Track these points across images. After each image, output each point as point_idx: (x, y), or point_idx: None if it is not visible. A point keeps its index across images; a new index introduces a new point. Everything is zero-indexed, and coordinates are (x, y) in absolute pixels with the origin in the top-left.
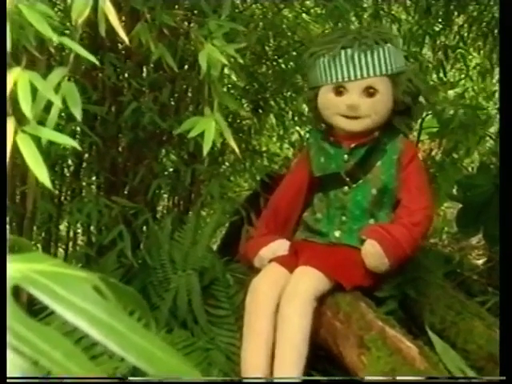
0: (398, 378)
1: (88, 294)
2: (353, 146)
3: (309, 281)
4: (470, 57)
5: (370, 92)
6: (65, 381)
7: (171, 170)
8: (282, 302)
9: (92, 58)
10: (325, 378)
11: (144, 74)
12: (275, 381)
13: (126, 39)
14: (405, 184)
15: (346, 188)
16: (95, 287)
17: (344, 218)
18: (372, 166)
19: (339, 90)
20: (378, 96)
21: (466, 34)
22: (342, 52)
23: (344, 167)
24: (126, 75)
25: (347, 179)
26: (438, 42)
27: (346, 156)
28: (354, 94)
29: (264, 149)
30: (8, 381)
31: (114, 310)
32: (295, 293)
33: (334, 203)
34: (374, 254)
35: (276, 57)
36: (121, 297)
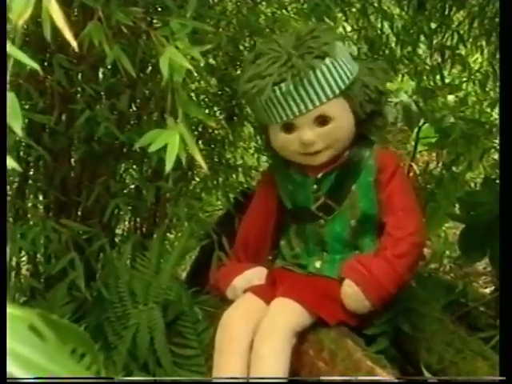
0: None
1: (23, 336)
2: (320, 176)
3: (287, 314)
4: (473, 58)
5: (322, 121)
6: (64, 381)
7: (132, 187)
8: (256, 339)
9: (33, 64)
10: (317, 379)
11: (100, 78)
12: (267, 381)
13: (75, 44)
14: (388, 206)
15: (322, 221)
16: (32, 327)
17: (325, 254)
18: (346, 192)
19: (288, 127)
20: (333, 122)
21: (466, 33)
22: (277, 89)
23: (314, 199)
24: (79, 79)
25: (320, 214)
26: (434, 41)
27: (314, 186)
28: (304, 129)
29: (239, 162)
30: (8, 381)
31: (55, 354)
32: (272, 328)
33: (311, 238)
34: (351, 296)
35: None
36: (64, 337)
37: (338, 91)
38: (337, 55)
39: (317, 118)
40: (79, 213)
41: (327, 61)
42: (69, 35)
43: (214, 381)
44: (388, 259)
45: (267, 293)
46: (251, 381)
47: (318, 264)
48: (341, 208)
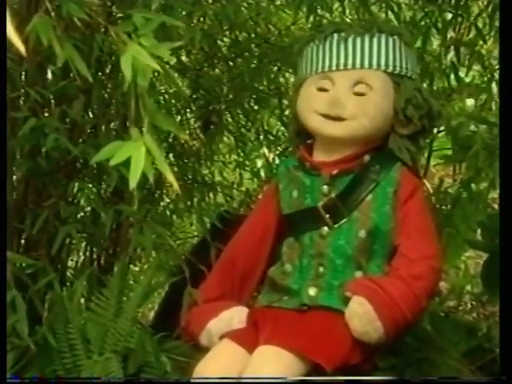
0: None
1: None
2: (334, 172)
3: (274, 366)
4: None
5: (360, 91)
6: (63, 381)
7: (87, 211)
8: None
9: None
10: (318, 379)
11: (48, 80)
12: (270, 381)
13: (23, 49)
14: (403, 226)
15: (326, 229)
16: None
17: (321, 270)
18: (360, 200)
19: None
20: (370, 94)
21: (486, 26)
22: (335, 35)
23: (322, 201)
24: (22, 81)
25: (327, 216)
26: (449, 35)
27: (325, 187)
28: (341, 88)
29: (217, 179)
30: (8, 381)
31: None
32: None
33: (308, 250)
34: (362, 315)
35: (232, 55)
36: None
37: (391, 68)
38: (404, 43)
39: (357, 83)
40: (22, 242)
41: (395, 38)
42: (19, 43)
43: (209, 381)
44: (404, 278)
45: (249, 338)
46: (246, 381)
47: (312, 291)
48: (350, 217)
